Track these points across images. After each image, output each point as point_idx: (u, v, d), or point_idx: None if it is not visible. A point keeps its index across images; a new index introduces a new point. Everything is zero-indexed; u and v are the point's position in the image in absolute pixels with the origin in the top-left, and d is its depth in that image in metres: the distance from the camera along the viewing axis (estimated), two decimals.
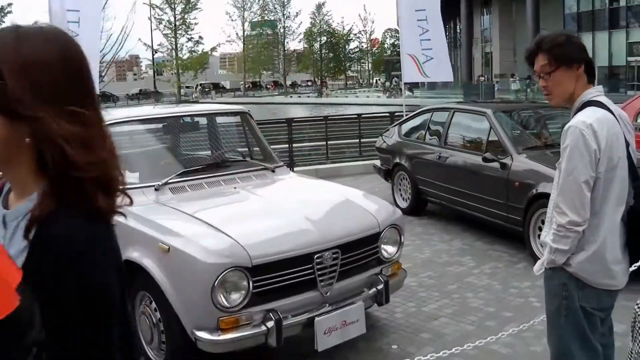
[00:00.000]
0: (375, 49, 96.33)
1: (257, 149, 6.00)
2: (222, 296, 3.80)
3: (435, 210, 8.66)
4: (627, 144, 2.79)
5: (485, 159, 6.86)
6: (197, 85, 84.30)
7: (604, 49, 44.08)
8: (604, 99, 2.81)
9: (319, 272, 4.14)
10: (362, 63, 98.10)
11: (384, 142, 9.41)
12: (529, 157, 6.64)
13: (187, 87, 77.56)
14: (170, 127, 5.83)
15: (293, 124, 12.03)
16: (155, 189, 4.88)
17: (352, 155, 13.38)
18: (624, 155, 2.75)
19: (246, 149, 6.08)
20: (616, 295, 2.89)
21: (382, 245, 4.59)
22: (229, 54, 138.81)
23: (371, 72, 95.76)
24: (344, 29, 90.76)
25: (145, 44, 67.47)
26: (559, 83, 2.82)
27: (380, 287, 4.46)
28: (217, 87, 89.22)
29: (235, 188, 5.02)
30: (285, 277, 4.01)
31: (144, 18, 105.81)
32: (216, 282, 3.75)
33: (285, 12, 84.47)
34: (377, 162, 9.74)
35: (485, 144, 7.26)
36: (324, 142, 12.47)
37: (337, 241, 4.21)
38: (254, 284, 3.88)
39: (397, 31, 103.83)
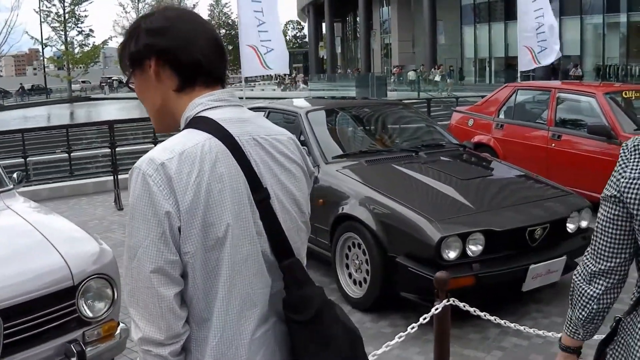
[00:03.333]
0: None
1: None
2: None
3: None
4: (267, 196, 1.56)
5: None
6: (109, 78, 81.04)
7: (500, 40, 44.39)
8: (221, 113, 1.58)
9: None
10: None
11: None
12: (342, 167, 5.63)
13: (83, 82, 74.67)
14: None
15: (26, 135, 10.46)
16: None
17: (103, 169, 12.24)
18: (247, 217, 1.52)
19: None
20: None
21: (83, 302, 3.46)
22: None
23: None
24: None
25: (32, 38, 64.64)
26: (141, 96, 1.68)
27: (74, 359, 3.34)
28: (120, 82, 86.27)
29: None
30: None
31: (31, 11, 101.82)
32: None
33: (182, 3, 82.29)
34: None
35: None
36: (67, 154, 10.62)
37: None
38: None
39: (299, 23, 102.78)
